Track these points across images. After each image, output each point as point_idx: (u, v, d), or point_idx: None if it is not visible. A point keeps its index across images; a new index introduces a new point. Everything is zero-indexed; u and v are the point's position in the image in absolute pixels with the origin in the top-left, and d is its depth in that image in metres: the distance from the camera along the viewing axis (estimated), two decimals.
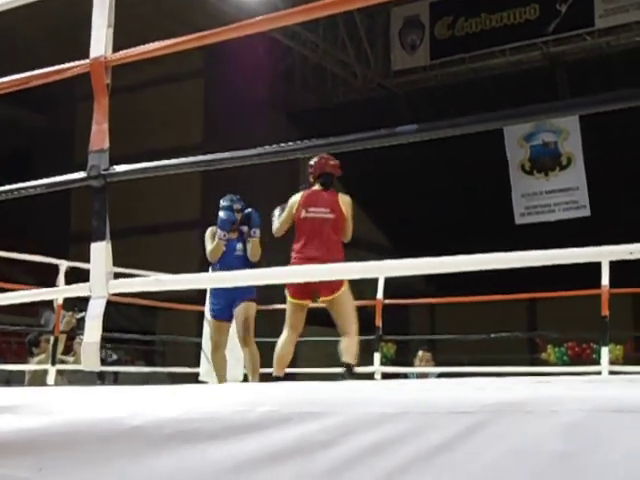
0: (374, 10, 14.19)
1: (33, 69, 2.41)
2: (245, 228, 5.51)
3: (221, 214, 5.51)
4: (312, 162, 5.04)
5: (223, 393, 1.64)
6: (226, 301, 5.37)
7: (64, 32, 13.76)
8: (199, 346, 6.29)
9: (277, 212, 5.05)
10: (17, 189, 2.33)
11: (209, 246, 5.60)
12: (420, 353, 7.64)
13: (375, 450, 1.31)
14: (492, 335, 7.54)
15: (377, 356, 6.48)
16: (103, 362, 8.20)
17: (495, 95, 13.73)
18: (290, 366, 5.05)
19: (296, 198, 5.01)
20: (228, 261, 5.49)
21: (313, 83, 15.57)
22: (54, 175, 2.33)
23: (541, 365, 12.22)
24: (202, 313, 6.26)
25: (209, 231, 5.70)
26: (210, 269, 5.64)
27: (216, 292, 5.45)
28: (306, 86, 15.67)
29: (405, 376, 7.29)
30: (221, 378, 5.41)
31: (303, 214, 4.96)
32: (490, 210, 15.47)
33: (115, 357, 11.44)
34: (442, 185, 16.30)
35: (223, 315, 5.46)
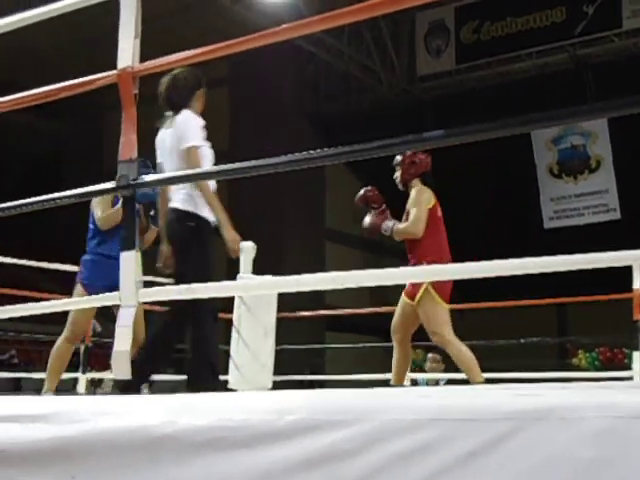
0: (399, 16, 14.18)
1: (54, 81, 2.43)
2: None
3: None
4: (416, 159, 4.81)
5: (253, 401, 1.64)
6: None
7: (84, 46, 13.94)
8: (227, 354, 6.30)
9: (389, 223, 4.75)
10: (47, 200, 2.35)
11: (101, 211, 4.71)
12: (430, 355, 7.63)
13: (405, 458, 1.30)
14: (521, 340, 7.48)
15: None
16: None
17: (522, 99, 13.65)
18: (319, 373, 5.01)
19: (429, 194, 4.78)
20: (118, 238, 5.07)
21: (338, 90, 15.58)
22: (81, 185, 2.35)
23: (572, 370, 12.09)
24: (230, 321, 6.27)
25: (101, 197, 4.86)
26: (100, 241, 4.83)
27: None
28: (331, 93, 15.68)
29: (415, 383, 7.23)
30: None
31: (439, 213, 4.82)
32: (518, 214, 15.36)
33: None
34: (469, 190, 16.21)
35: None
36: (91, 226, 4.84)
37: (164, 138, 3.95)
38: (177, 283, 3.27)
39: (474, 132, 1.63)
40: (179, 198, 3.83)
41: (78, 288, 4.75)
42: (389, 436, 1.33)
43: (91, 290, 4.57)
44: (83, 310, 4.58)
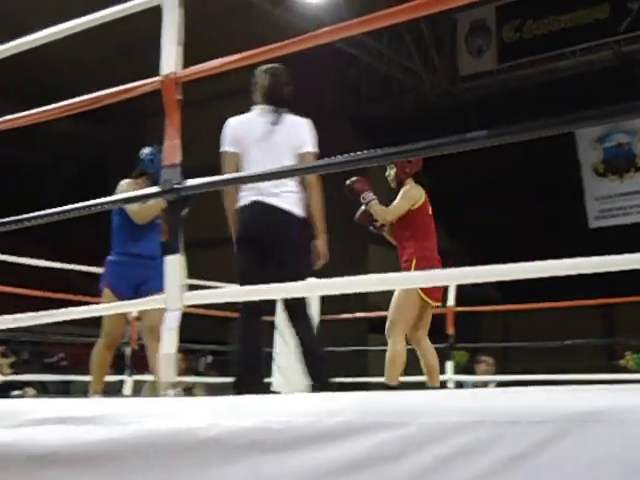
0: (439, 16, 14.11)
1: (94, 89, 2.47)
2: None
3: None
4: (411, 158, 4.71)
5: (296, 403, 1.64)
6: None
7: (118, 56, 14.15)
8: (271, 356, 6.33)
9: (372, 197, 4.79)
10: (93, 205, 2.39)
11: (137, 204, 4.40)
12: (480, 358, 7.58)
13: (450, 460, 1.30)
14: (567, 342, 7.38)
15: (450, 364, 6.41)
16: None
17: (566, 97, 13.49)
18: (361, 375, 5.00)
19: (421, 192, 4.82)
20: (155, 233, 4.61)
21: (379, 91, 15.55)
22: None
23: (619, 372, 11.90)
24: (272, 323, 6.30)
25: (129, 184, 4.61)
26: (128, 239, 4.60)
27: None
28: (372, 95, 15.66)
29: (460, 385, 7.17)
30: None
31: (430, 211, 4.88)
32: (563, 214, 15.18)
33: (210, 360, 11.64)
34: (513, 189, 16.07)
35: None
36: (116, 223, 4.61)
37: (270, 130, 3.84)
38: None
39: (518, 132, 1.62)
40: (291, 200, 3.76)
41: (106, 293, 4.57)
42: (433, 438, 1.32)
43: (118, 293, 4.47)
44: (113, 315, 4.44)
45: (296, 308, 3.75)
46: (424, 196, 4.80)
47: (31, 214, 2.46)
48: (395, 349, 4.63)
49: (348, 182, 4.84)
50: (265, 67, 3.91)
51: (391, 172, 4.90)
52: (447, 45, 14.83)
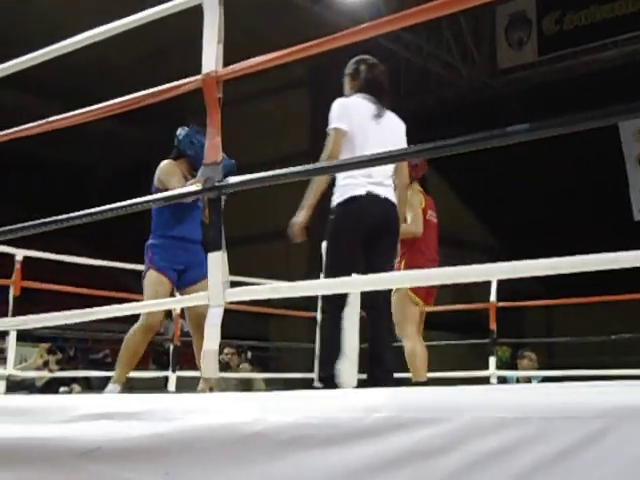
0: (478, 9, 13.99)
1: (128, 92, 2.49)
2: None
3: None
4: (414, 162, 4.90)
5: (340, 398, 1.65)
6: None
7: (154, 56, 14.27)
8: (312, 352, 6.35)
9: None
10: (135, 204, 2.41)
11: (174, 183, 4.28)
12: (524, 353, 7.52)
13: (493, 456, 1.29)
14: (612, 337, 7.28)
15: (492, 360, 6.37)
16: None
17: (608, 89, 13.27)
18: (402, 370, 4.98)
19: (420, 198, 4.93)
20: (197, 215, 4.51)
21: (418, 86, 15.46)
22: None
23: None
24: (314, 319, 6.31)
25: (171, 164, 4.54)
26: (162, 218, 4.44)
27: None
28: (411, 89, 15.57)
29: (504, 380, 7.12)
30: None
31: (428, 215, 4.96)
32: (607, 207, 14.96)
33: (249, 355, 11.75)
34: (554, 182, 15.88)
35: None
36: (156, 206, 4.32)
37: (386, 125, 3.81)
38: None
39: (560, 125, 1.59)
40: (394, 194, 3.79)
41: (152, 273, 4.37)
42: (476, 434, 1.32)
43: (165, 273, 4.34)
44: (157, 293, 4.25)
45: (377, 305, 3.69)
46: (424, 202, 4.92)
47: (75, 213, 2.49)
48: (412, 347, 4.71)
49: None
50: (360, 58, 3.92)
51: None
52: (486, 38, 14.68)
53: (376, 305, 3.71)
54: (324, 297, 3.63)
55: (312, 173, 2.09)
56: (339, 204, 3.62)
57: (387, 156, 1.85)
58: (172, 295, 4.42)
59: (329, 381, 3.64)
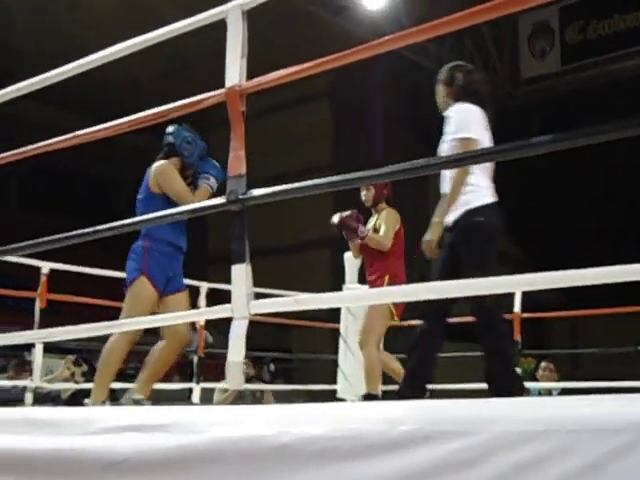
0: (501, 19, 13.96)
1: (152, 105, 2.51)
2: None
3: (213, 162, 4.29)
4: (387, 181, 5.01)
5: (365, 411, 1.65)
6: None
7: (175, 71, 14.39)
8: (335, 363, 6.34)
9: (367, 229, 5.01)
10: (160, 217, 2.43)
11: (180, 185, 4.12)
12: (543, 364, 7.49)
13: (520, 470, 1.28)
14: (639, 348, 7.21)
15: (517, 371, 6.32)
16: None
17: (633, 98, 13.18)
18: (430, 382, 4.98)
19: (398, 216, 5.10)
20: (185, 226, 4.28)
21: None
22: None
23: None
24: (337, 330, 6.31)
25: (170, 166, 4.26)
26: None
27: None
28: (434, 100, 15.55)
29: (528, 392, 7.06)
30: None
31: (402, 234, 5.13)
32: (634, 216, 14.83)
33: (273, 368, 11.76)
34: (580, 192, 15.79)
35: None
36: (157, 208, 3.59)
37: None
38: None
39: (586, 136, 1.58)
40: None
41: (143, 283, 4.04)
42: (502, 447, 1.31)
43: (155, 283, 4.06)
44: (145, 310, 3.91)
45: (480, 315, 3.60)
46: (399, 224, 5.07)
47: (104, 226, 2.51)
48: (371, 360, 4.83)
49: (340, 217, 4.99)
50: (455, 64, 3.95)
51: (369, 193, 5.13)
52: (508, 48, 14.65)
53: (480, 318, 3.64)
54: (429, 306, 3.63)
55: (336, 185, 2.10)
56: (478, 209, 3.57)
57: (388, 172, 1.85)
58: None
59: (417, 392, 3.65)
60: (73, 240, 2.54)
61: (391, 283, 4.89)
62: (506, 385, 3.53)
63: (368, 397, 4.79)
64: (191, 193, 4.15)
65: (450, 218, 3.62)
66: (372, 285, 5.03)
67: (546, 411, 1.40)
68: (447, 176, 3.66)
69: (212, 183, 4.20)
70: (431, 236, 3.66)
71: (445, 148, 3.69)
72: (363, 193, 5.19)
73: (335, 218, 5.00)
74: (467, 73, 3.89)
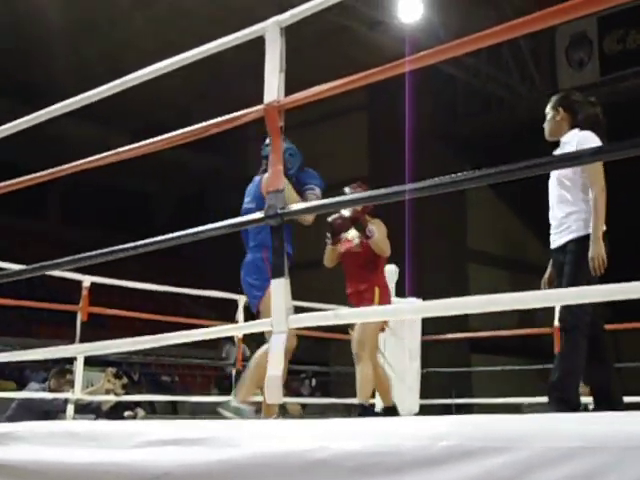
0: (538, 30, 13.86)
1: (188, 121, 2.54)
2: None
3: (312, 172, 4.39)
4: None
5: (404, 426, 1.64)
6: None
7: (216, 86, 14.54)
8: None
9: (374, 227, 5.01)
10: (199, 232, 2.45)
11: (295, 198, 3.68)
12: None
13: None
14: None
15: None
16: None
17: None
18: (465, 396, 4.98)
19: (384, 229, 5.08)
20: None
21: (477, 109, 15.37)
22: (228, 217, 2.43)
23: None
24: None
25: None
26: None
27: None
28: (471, 112, 15.50)
29: (585, 407, 6.94)
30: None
31: None
32: None
33: (314, 383, 11.73)
34: (619, 203, 15.55)
35: None
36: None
37: None
38: None
39: (630, 148, 1.56)
40: None
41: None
42: (546, 464, 1.29)
43: None
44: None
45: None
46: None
47: (143, 241, 2.54)
48: (366, 371, 4.85)
49: (353, 211, 4.94)
50: (568, 93, 4.21)
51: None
52: (546, 59, 14.54)
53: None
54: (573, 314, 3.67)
55: (374, 200, 2.09)
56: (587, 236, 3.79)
57: (427, 186, 1.84)
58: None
59: (570, 404, 3.65)
60: (118, 255, 2.57)
61: (381, 294, 4.95)
62: (568, 396, 3.63)
63: (362, 408, 4.83)
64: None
65: (562, 239, 3.83)
66: (360, 296, 4.98)
67: (591, 427, 1.38)
68: (561, 201, 3.90)
69: (318, 193, 4.28)
70: (599, 250, 3.79)
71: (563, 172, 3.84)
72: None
73: (346, 212, 4.91)
74: (595, 106, 4.13)
